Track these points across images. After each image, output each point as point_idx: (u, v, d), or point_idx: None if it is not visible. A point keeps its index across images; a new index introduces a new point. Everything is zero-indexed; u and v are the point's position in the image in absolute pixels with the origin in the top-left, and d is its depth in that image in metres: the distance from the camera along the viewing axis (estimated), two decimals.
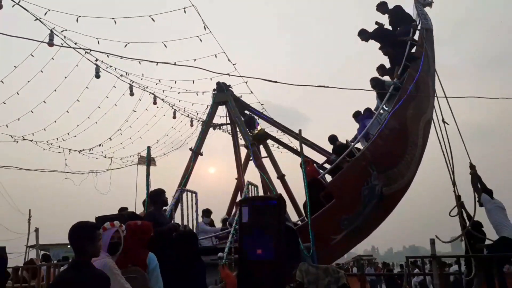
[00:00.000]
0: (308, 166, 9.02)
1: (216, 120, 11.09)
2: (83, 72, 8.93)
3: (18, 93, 8.35)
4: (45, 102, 8.94)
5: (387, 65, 9.40)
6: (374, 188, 7.55)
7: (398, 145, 8.32)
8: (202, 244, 8.01)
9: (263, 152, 10.87)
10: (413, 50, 9.12)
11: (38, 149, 10.27)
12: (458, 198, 7.50)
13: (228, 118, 10.97)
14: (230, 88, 10.55)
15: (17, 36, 5.76)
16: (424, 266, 8.35)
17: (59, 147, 10.62)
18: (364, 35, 9.51)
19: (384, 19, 9.64)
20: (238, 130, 10.71)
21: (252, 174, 10.82)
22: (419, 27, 9.29)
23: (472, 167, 7.40)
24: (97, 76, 8.57)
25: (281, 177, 10.67)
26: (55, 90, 9.05)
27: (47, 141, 10.31)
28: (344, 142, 9.12)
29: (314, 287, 4.78)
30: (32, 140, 9.90)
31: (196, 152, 9.93)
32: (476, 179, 7.22)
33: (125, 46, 7.50)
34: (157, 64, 7.37)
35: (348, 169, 7.86)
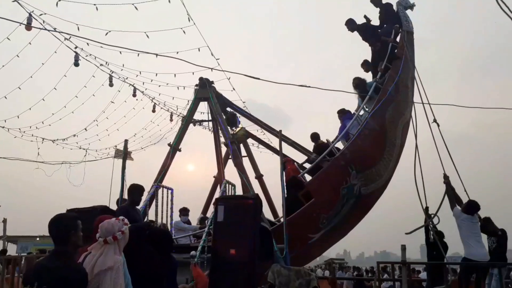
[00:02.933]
0: (288, 165, 9.05)
1: (197, 116, 10.99)
2: (62, 59, 8.67)
3: None
4: (19, 88, 8.63)
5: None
6: (353, 187, 7.69)
7: (377, 146, 8.51)
8: (179, 242, 7.91)
9: (243, 151, 10.82)
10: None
11: (10, 137, 9.91)
12: (426, 209, 7.60)
13: (209, 114, 10.86)
14: (213, 84, 10.45)
15: None
16: (394, 272, 8.49)
17: (32, 135, 10.26)
18: (351, 25, 9.82)
19: (375, 14, 10.09)
20: (218, 127, 10.63)
21: (230, 173, 10.78)
22: (400, 30, 9.54)
23: (445, 177, 7.54)
24: (76, 64, 8.34)
25: (259, 177, 10.66)
26: (31, 77, 8.75)
27: (19, 129, 9.95)
28: (325, 141, 9.20)
29: None
30: (3, 127, 9.53)
31: (174, 147, 9.79)
32: (450, 189, 7.35)
33: (106, 34, 7.31)
34: (138, 55, 7.25)
35: (328, 168, 7.95)
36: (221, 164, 10.72)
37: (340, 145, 8.84)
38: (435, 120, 8.20)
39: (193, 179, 11.41)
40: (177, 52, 7.51)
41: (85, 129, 10.71)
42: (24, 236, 15.83)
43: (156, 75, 10.04)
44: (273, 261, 5.89)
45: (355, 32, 9.93)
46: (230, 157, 10.23)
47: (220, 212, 5.90)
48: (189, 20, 7.49)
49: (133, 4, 7.10)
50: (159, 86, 10.60)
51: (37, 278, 2.73)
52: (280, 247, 6.54)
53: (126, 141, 8.78)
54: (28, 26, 6.70)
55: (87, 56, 8.78)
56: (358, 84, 9.20)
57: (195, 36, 7.92)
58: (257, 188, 9.89)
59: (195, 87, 10.43)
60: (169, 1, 7.13)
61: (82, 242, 3.05)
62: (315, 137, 9.39)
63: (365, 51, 9.90)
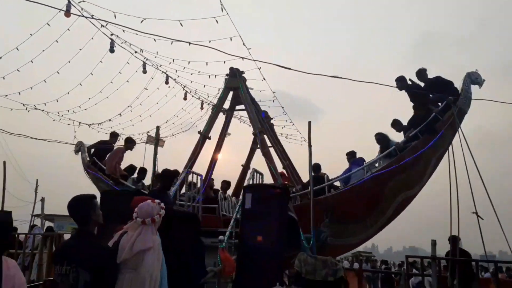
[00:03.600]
0: (284, 179, 9.31)
1: (227, 105, 11.06)
2: (98, 46, 8.92)
3: (32, 62, 8.38)
4: (58, 73, 8.96)
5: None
6: (321, 233, 7.48)
7: (364, 207, 8.12)
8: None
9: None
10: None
11: (49, 120, 10.35)
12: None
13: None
14: (243, 75, 10.46)
15: (35, 1, 5.74)
16: (423, 267, 8.31)
17: (70, 119, 10.71)
18: (401, 82, 8.77)
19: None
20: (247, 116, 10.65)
21: (258, 162, 10.82)
22: (453, 104, 8.20)
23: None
24: (112, 50, 8.55)
25: (286, 166, 10.64)
26: (69, 62, 9.08)
27: (58, 112, 10.39)
28: (325, 174, 9.06)
29: (312, 277, 4.78)
30: (43, 110, 9.97)
31: (204, 135, 9.92)
32: None
33: (141, 22, 7.46)
34: (171, 43, 7.33)
35: (304, 205, 7.74)
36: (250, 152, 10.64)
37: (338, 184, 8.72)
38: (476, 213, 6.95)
39: (222, 167, 11.48)
40: (210, 41, 7.57)
41: (120, 114, 11.03)
42: (60, 216, 16.54)
43: (189, 63, 10.17)
44: (300, 250, 5.91)
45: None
46: (258, 146, 10.27)
47: (248, 199, 5.97)
48: (222, 10, 7.51)
49: None
50: (191, 74, 10.74)
51: (66, 257, 2.88)
52: (307, 236, 6.55)
53: (158, 128, 8.97)
54: (67, 13, 6.94)
55: (122, 43, 9.01)
56: (379, 139, 8.81)
57: (228, 25, 7.95)
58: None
59: (226, 77, 10.49)
60: None
61: (102, 219, 3.16)
62: (316, 167, 8.99)
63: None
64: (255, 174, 8.83)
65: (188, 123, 12.24)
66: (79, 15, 7.22)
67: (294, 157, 10.72)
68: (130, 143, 10.17)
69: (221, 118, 10.81)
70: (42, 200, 13.69)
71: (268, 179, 9.10)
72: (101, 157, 10.53)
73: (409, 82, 8.74)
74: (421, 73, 8.79)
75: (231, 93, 10.50)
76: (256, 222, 5.75)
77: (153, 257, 3.14)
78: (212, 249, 5.82)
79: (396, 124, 8.95)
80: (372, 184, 8.01)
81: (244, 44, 8.29)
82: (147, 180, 9.74)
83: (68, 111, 10.48)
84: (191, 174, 8.31)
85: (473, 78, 8.23)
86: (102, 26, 7.87)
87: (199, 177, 8.45)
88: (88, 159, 10.80)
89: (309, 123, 7.94)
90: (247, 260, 5.54)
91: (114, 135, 10.72)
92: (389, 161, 8.15)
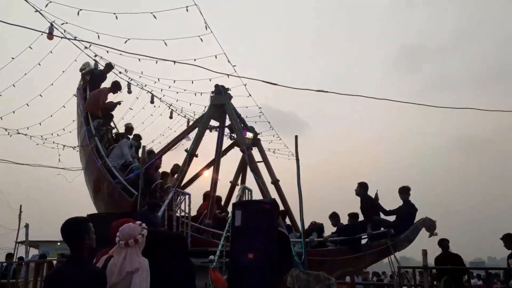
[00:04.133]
0: (207, 200, 9.38)
1: (213, 122, 11.06)
2: None
3: (14, 85, 8.28)
4: (41, 96, 8.88)
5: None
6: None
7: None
8: None
9: (259, 157, 10.80)
10: None
11: (32, 144, 10.16)
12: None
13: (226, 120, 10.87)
14: (229, 91, 10.51)
15: (17, 25, 5.72)
16: (415, 277, 8.30)
17: (54, 142, 10.53)
18: (361, 189, 8.93)
19: None
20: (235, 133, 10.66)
21: (247, 179, 10.78)
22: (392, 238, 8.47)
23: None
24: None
25: (275, 182, 10.61)
26: (52, 84, 9.00)
27: (41, 136, 10.22)
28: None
29: None
30: (26, 134, 9.79)
31: (191, 154, 9.85)
32: None
33: (125, 42, 7.46)
34: (156, 62, 7.35)
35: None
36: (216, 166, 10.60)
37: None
38: None
39: (208, 184, 11.42)
40: (195, 59, 7.61)
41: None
42: (45, 241, 16.11)
43: (174, 82, 10.19)
44: (292, 266, 5.85)
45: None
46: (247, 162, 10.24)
47: (238, 216, 5.90)
48: (206, 28, 7.58)
49: (151, 12, 7.23)
50: (177, 92, 10.77)
51: (57, 284, 2.78)
52: (298, 251, 6.50)
53: (144, 147, 8.89)
54: (50, 35, 6.91)
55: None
56: (330, 217, 9.17)
57: (212, 43, 8.01)
58: (273, 193, 9.87)
59: (211, 94, 10.51)
60: (187, 10, 7.23)
61: (95, 244, 3.09)
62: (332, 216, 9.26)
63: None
64: (244, 190, 8.79)
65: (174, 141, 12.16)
66: (62, 37, 7.19)
67: (282, 172, 10.73)
68: (115, 87, 10.29)
69: (208, 135, 10.80)
70: (26, 226, 13.30)
71: (257, 195, 9.08)
72: (92, 88, 10.54)
73: (372, 196, 8.86)
74: (403, 192, 8.69)
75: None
76: (247, 239, 5.68)
77: (141, 278, 3.09)
78: (203, 269, 5.72)
79: (333, 217, 9.18)
80: None
81: (229, 61, 8.36)
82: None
83: (52, 134, 10.33)
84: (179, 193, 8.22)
85: (428, 225, 8.34)
86: (86, 47, 7.88)
87: (187, 196, 8.36)
88: (82, 82, 10.81)
89: (296, 137, 7.96)
90: (239, 278, 5.45)
91: (109, 66, 10.56)
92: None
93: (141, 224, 3.47)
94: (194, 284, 4.54)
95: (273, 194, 9.80)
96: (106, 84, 10.59)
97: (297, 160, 7.42)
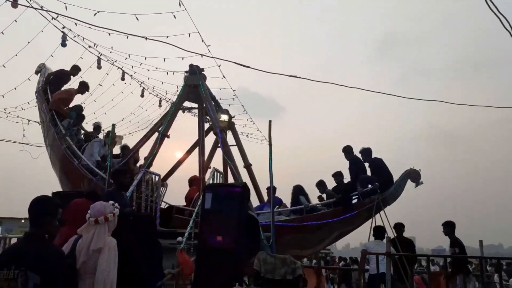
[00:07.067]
0: (194, 184, 9.41)
1: (186, 103, 10.87)
2: (49, 39, 8.46)
3: None
4: (4, 67, 8.41)
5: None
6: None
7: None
8: None
9: (232, 140, 10.75)
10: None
11: None
12: None
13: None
14: (203, 72, 10.32)
15: None
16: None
17: (18, 116, 10.08)
18: (349, 154, 9.28)
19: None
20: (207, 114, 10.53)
21: (219, 161, 10.72)
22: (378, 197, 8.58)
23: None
24: (64, 44, 8.15)
25: (247, 166, 10.62)
26: (16, 55, 8.53)
27: (4, 109, 9.75)
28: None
29: (271, 276, 4.79)
30: None
31: (163, 134, 9.67)
32: None
33: (95, 15, 7.13)
34: (127, 37, 7.08)
35: None
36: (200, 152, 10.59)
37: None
38: None
39: (182, 166, 11.29)
40: (167, 37, 7.34)
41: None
42: (9, 218, 15.65)
43: (145, 58, 9.86)
44: (260, 249, 5.90)
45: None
46: (218, 145, 10.17)
47: (208, 199, 5.87)
48: (179, 5, 7.33)
49: None
50: (148, 70, 10.44)
51: (13, 261, 2.68)
52: (267, 235, 6.56)
53: (113, 126, 8.65)
54: (14, 3, 6.52)
55: (75, 37, 8.59)
56: (318, 184, 9.44)
57: (186, 21, 7.78)
58: (245, 177, 9.87)
59: (185, 74, 10.29)
60: None
61: (55, 230, 2.99)
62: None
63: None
64: (215, 173, 8.74)
65: (145, 121, 11.90)
66: (27, 6, 6.79)
67: (254, 157, 10.74)
68: (83, 87, 10.02)
69: (181, 115, 10.63)
70: None
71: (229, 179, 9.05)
72: (54, 89, 10.16)
73: (358, 155, 9.15)
74: (365, 153, 9.09)
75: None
76: (216, 222, 5.68)
77: (108, 258, 3.05)
78: (171, 251, 5.68)
79: (320, 185, 9.46)
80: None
81: (203, 41, 8.16)
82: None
83: (16, 108, 9.87)
84: (149, 174, 8.08)
85: (413, 176, 8.59)
86: (53, 18, 7.46)
87: (157, 177, 8.23)
88: (42, 83, 10.33)
89: (270, 122, 7.92)
90: (206, 261, 5.45)
91: (76, 68, 10.26)
92: (296, 217, 8.71)
93: (113, 203, 3.47)
94: (161, 265, 4.51)
95: (245, 178, 9.82)
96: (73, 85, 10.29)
97: (270, 145, 7.41)
